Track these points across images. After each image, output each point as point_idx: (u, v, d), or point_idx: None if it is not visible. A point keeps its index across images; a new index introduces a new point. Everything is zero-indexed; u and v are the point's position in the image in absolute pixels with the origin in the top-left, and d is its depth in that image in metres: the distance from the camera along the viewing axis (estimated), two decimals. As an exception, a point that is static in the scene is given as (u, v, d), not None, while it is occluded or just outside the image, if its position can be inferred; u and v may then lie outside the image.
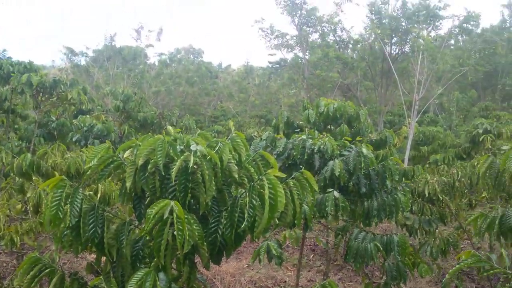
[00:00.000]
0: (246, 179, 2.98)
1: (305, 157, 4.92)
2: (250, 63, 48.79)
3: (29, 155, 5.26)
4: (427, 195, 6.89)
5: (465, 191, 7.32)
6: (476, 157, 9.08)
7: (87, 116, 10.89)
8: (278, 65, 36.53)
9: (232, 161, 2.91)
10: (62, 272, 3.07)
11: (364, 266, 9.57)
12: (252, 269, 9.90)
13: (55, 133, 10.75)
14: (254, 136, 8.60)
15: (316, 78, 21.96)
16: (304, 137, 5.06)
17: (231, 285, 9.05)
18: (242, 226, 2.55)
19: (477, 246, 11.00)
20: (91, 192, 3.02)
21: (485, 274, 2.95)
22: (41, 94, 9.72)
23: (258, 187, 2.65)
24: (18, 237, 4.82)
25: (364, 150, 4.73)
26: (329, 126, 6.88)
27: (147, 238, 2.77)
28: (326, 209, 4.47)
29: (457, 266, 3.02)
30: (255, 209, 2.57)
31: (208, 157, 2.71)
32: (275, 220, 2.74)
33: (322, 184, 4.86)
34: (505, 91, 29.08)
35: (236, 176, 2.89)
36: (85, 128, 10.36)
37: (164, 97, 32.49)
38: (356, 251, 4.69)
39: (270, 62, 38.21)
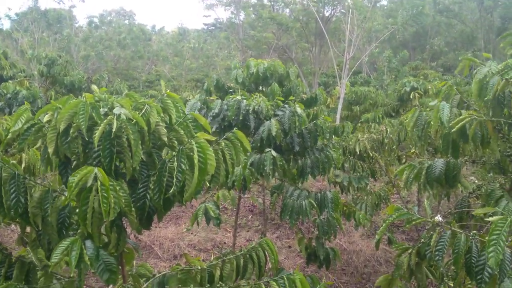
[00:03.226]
0: (176, 142, 2.91)
1: (240, 118, 4.89)
2: (184, 26, 47.64)
3: None
4: (358, 153, 7.11)
5: (394, 147, 7.61)
6: (404, 114, 9.44)
7: (10, 82, 10.26)
8: (213, 27, 35.96)
9: (161, 123, 2.82)
10: (-17, 245, 2.92)
11: (300, 223, 9.85)
12: (191, 233, 9.94)
13: (-25, 100, 10.08)
14: (189, 100, 8.46)
15: (251, 39, 21.75)
16: (238, 97, 5.02)
17: (170, 249, 9.06)
18: (171, 190, 2.49)
19: (406, 200, 11.61)
20: (14, 161, 2.82)
21: (408, 225, 3.09)
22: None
23: (187, 150, 2.59)
24: None
25: (298, 110, 4.77)
26: (260, 87, 6.87)
27: (73, 205, 2.67)
28: (265, 168, 4.51)
29: (384, 224, 3.14)
30: (184, 173, 2.52)
31: (134, 121, 2.61)
32: (206, 183, 2.72)
33: (258, 145, 4.88)
34: (433, 51, 30.27)
35: (166, 139, 2.81)
36: (8, 95, 9.77)
37: (95, 62, 31.18)
38: (291, 208, 4.79)
39: (205, 24, 37.56)
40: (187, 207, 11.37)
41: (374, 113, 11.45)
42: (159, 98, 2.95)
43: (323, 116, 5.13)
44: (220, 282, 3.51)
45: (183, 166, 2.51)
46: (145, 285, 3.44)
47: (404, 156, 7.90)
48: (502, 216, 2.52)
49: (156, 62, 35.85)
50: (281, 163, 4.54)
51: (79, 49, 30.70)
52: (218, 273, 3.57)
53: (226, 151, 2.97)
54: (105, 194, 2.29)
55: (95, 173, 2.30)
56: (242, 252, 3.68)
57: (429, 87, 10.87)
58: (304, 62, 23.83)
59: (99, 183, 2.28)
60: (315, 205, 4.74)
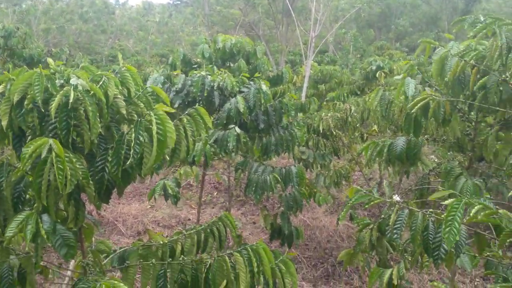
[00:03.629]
0: (135, 115, 2.86)
1: (205, 94, 4.84)
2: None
3: None
4: (321, 131, 7.18)
5: (357, 125, 7.71)
6: (369, 93, 9.55)
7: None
8: (179, 1, 35.29)
9: (120, 96, 2.76)
10: None
11: (265, 199, 9.92)
12: (155, 210, 9.88)
13: None
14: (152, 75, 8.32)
15: (217, 15, 21.47)
16: (203, 73, 4.96)
17: (134, 226, 9.00)
18: (128, 163, 2.45)
19: (369, 177, 11.85)
20: None
21: (367, 205, 3.16)
22: None
23: (146, 122, 2.55)
24: None
25: (264, 87, 4.76)
26: (227, 63, 6.82)
27: (30, 179, 2.60)
28: (228, 145, 4.49)
29: (345, 207, 3.20)
30: (142, 146, 2.48)
31: (92, 93, 2.55)
32: (166, 156, 2.69)
33: (224, 122, 4.85)
34: (398, 31, 30.66)
35: (124, 112, 2.75)
36: (-38, 68, 9.38)
37: (56, 35, 30.20)
38: (256, 183, 4.81)
39: (171, -1, 36.85)
40: (151, 184, 11.28)
41: (339, 92, 11.55)
42: (117, 71, 2.88)
43: (289, 93, 5.13)
44: (182, 256, 3.50)
45: (141, 138, 2.47)
46: (105, 261, 3.40)
47: (366, 134, 8.02)
48: (456, 199, 2.60)
49: (120, 36, 35.00)
50: (244, 140, 4.53)
51: (39, 21, 29.63)
52: (179, 248, 3.56)
53: (188, 127, 2.94)
54: (60, 166, 2.23)
55: (50, 144, 2.24)
56: (203, 226, 3.68)
57: (395, 67, 11.02)
58: (271, 39, 23.74)
59: (53, 154, 2.22)
60: (280, 179, 4.77)
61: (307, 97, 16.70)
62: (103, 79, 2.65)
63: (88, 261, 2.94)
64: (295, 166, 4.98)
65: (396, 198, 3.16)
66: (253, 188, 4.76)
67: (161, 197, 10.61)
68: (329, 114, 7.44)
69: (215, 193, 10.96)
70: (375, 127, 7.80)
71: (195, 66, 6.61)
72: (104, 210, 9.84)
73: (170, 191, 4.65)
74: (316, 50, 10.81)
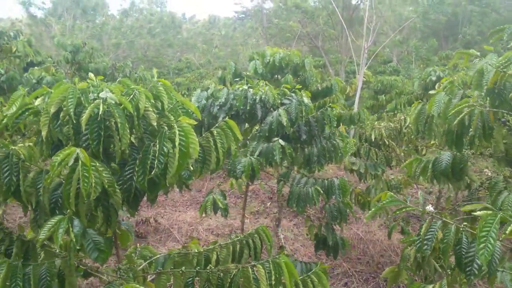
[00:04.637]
0: (166, 127, 2.97)
1: (248, 108, 4.92)
2: (215, 14, 47.71)
3: (-38, 108, 5.09)
4: (373, 140, 7.06)
5: (412, 137, 7.51)
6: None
7: (36, 68, 10.55)
8: (243, 15, 35.90)
9: (150, 109, 2.89)
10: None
11: (310, 210, 9.83)
12: (210, 218, 10.07)
13: (4, 86, 10.41)
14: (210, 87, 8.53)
15: (275, 27, 21.62)
16: (245, 87, 5.04)
17: (188, 233, 9.22)
18: (153, 172, 2.56)
19: (429, 191, 11.45)
20: (30, 144, 2.94)
21: (397, 212, 3.08)
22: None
23: (171, 134, 2.65)
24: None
25: (305, 99, 4.79)
26: (276, 76, 6.88)
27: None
28: (275, 157, 4.56)
29: (373, 209, 3.14)
30: (166, 156, 2.58)
31: (122, 106, 2.69)
32: (190, 167, 2.78)
33: (266, 134, 4.91)
34: (466, 40, 29.50)
35: (155, 124, 2.88)
36: (34, 81, 10.06)
37: (125, 50, 31.64)
38: (298, 195, 4.82)
39: (236, 12, 37.57)
40: (204, 192, 11.53)
41: (396, 102, 11.29)
42: (151, 85, 3.01)
43: (331, 104, 5.11)
44: (217, 265, 3.57)
45: (165, 149, 2.58)
46: (143, 264, 3.54)
47: (424, 147, 7.78)
48: (491, 212, 2.49)
49: (185, 50, 36.09)
50: (289, 151, 4.57)
51: (110, 37, 31.19)
52: (214, 257, 3.63)
53: (217, 139, 3.03)
54: (86, 174, 2.37)
55: (77, 154, 2.38)
56: (239, 238, 3.74)
57: (455, 78, 10.61)
58: (330, 50, 23.59)
59: (80, 163, 2.36)
60: (322, 192, 4.76)
61: (367, 108, 16.47)
62: (134, 93, 2.79)
63: (120, 266, 3.07)
64: (337, 178, 4.94)
65: (430, 208, 3.07)
66: (295, 200, 4.78)
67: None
68: (382, 124, 7.31)
69: (269, 203, 11.01)
70: (432, 140, 7.56)
71: (236, 80, 6.72)
72: (162, 217, 10.17)
73: (220, 205, 4.78)
74: (370, 60, 10.63)
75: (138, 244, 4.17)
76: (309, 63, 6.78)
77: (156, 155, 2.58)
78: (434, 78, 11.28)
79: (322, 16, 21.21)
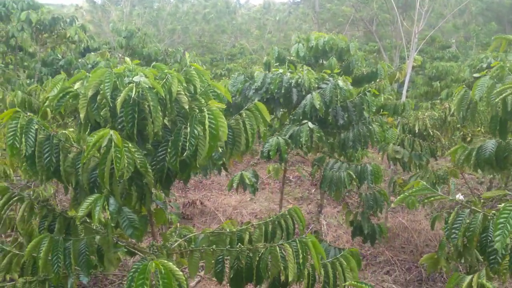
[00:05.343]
0: (197, 110, 3.08)
1: (283, 91, 4.97)
2: (271, -1, 47.41)
3: (19, 92, 5.45)
4: (417, 130, 6.92)
5: (458, 126, 7.30)
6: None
7: (92, 54, 11.00)
8: (299, 0, 35.52)
9: (183, 92, 3.00)
10: (30, 199, 3.29)
11: (348, 197, 9.76)
12: (254, 202, 10.24)
13: (62, 71, 10.93)
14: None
15: (327, 12, 21.31)
16: (281, 71, 5.08)
17: (233, 216, 9.41)
18: (184, 154, 2.68)
19: (480, 180, 11.10)
20: (64, 131, 3.14)
21: (426, 201, 3.06)
22: (41, 31, 9.84)
23: (201, 117, 2.76)
24: (11, 170, 5.07)
25: (340, 83, 4.76)
26: (320, 61, 6.86)
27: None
28: (301, 140, 4.58)
29: (401, 197, 3.13)
30: (196, 138, 2.70)
31: (155, 89, 2.81)
32: (219, 149, 2.89)
33: (300, 117, 4.94)
34: (531, 24, 28.00)
35: (187, 107, 2.99)
36: (89, 66, 10.50)
37: (180, 35, 32.17)
38: (330, 179, 4.85)
39: (291, -3, 37.27)
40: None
41: (447, 90, 10.94)
42: (184, 69, 3.13)
43: (371, 89, 5.04)
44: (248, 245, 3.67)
45: (196, 132, 2.69)
46: (177, 242, 3.68)
47: (470, 135, 7.55)
48: (509, 201, 2.46)
49: (239, 36, 36.24)
50: (318, 134, 4.57)
51: (166, 23, 31.79)
52: (247, 237, 3.73)
53: (246, 121, 3.11)
54: (118, 155, 2.51)
55: (110, 135, 2.53)
56: (271, 218, 3.82)
57: (508, 65, 10.15)
58: (386, 35, 23.04)
59: (113, 144, 2.51)
60: (354, 176, 4.75)
61: (421, 95, 16.07)
62: (167, 77, 2.91)
63: (154, 243, 3.23)
64: (370, 164, 4.91)
65: (460, 197, 3.03)
66: (328, 184, 4.80)
67: (260, 191, 10.95)
68: (426, 114, 7.15)
69: (313, 190, 11.03)
70: (479, 127, 7.32)
71: (276, 64, 6.74)
72: (208, 200, 10.43)
73: (247, 181, 4.85)
74: (419, 46, 10.32)
75: (178, 224, 4.35)
76: (354, 47, 6.70)
77: (188, 137, 2.69)
78: (485, 65, 10.86)
79: (376, 0, 20.73)
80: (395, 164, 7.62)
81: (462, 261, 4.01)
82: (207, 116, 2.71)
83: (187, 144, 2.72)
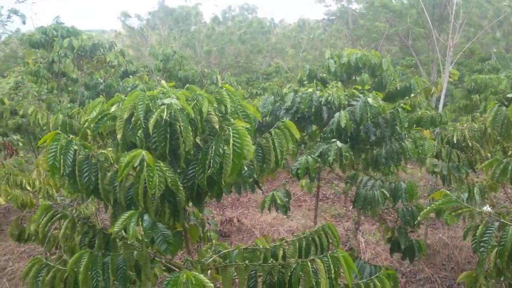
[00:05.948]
0: (227, 129, 3.18)
1: (313, 110, 5.02)
2: (305, 17, 47.69)
3: (60, 115, 5.72)
4: (455, 142, 6.82)
5: (498, 138, 7.14)
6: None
7: (131, 77, 11.38)
8: (334, 17, 35.55)
9: (213, 113, 3.11)
10: (72, 217, 3.46)
11: (386, 213, 9.64)
12: (291, 220, 10.25)
13: (103, 94, 11.34)
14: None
15: (360, 28, 21.25)
16: (310, 90, 5.14)
17: (270, 233, 9.45)
18: (209, 171, 2.78)
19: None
20: (103, 151, 3.30)
21: (453, 214, 3.04)
22: (82, 57, 10.29)
23: (227, 137, 2.86)
24: (54, 190, 5.31)
25: (370, 100, 4.77)
26: (353, 77, 6.88)
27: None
28: (329, 158, 4.61)
29: (427, 209, 3.12)
30: (221, 156, 2.80)
31: (186, 111, 2.94)
32: (244, 167, 2.97)
33: (329, 136, 4.97)
34: None
35: (217, 127, 3.10)
36: (128, 89, 10.85)
37: (216, 56, 32.73)
38: (364, 198, 4.83)
39: (325, 14, 37.37)
40: (294, 196, 11.69)
41: (485, 102, 10.71)
42: (216, 90, 3.25)
43: (403, 105, 5.02)
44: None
45: (220, 150, 2.79)
46: (212, 258, 3.76)
47: (511, 148, 7.37)
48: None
49: (275, 55, 36.54)
50: (346, 153, 4.59)
51: (202, 44, 32.43)
52: (281, 253, 3.78)
53: (275, 139, 3.20)
54: (150, 174, 2.64)
55: (142, 155, 2.66)
56: (305, 235, 3.86)
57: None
58: (423, 49, 22.76)
59: (145, 163, 2.63)
60: (388, 195, 4.72)
61: (460, 108, 15.74)
62: (197, 98, 3.03)
63: (188, 258, 3.33)
64: (404, 181, 4.86)
65: (487, 209, 3.00)
66: (361, 203, 4.79)
67: (297, 208, 10.94)
68: (465, 125, 7.04)
69: (351, 207, 10.93)
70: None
71: (305, 82, 6.78)
72: (245, 218, 10.51)
73: (279, 201, 4.90)
74: (455, 58, 10.18)
75: (214, 241, 4.44)
76: (387, 62, 6.69)
77: (212, 155, 2.79)
78: (525, 77, 10.59)
79: (411, 14, 20.55)
80: (435, 177, 7.50)
81: (502, 278, 3.93)
82: (231, 135, 2.81)
83: (211, 162, 2.82)
